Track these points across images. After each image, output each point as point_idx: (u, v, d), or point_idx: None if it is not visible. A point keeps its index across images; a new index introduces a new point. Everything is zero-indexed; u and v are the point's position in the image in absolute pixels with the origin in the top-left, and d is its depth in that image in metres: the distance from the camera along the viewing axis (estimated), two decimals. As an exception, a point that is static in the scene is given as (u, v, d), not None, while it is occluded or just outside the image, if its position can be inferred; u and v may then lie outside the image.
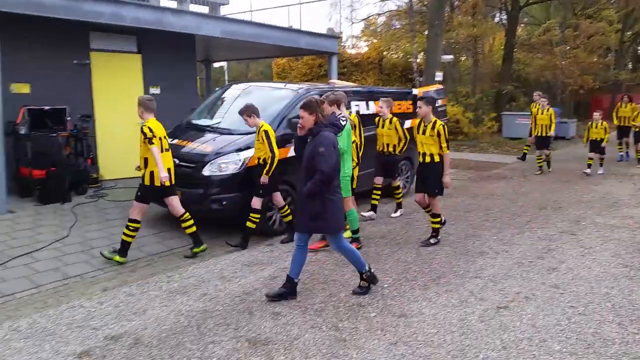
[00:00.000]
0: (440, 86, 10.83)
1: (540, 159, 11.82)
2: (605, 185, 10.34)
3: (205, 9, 11.90)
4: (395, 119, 7.55)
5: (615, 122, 13.74)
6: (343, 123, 4.96)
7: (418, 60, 23.24)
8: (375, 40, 26.28)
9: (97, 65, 9.44)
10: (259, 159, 6.24)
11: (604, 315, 4.33)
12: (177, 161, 6.66)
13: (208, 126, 7.46)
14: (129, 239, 5.59)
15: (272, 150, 6.00)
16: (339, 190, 4.62)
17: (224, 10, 13.01)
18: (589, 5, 24.33)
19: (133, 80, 9.98)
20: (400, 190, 8.04)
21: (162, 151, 5.54)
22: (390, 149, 7.64)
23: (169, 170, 5.63)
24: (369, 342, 3.85)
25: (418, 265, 5.57)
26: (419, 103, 6.34)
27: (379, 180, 7.78)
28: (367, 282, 4.77)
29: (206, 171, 6.48)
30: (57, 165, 8.11)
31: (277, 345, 3.79)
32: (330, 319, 4.23)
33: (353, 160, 6.18)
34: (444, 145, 6.13)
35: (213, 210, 6.50)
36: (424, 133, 6.25)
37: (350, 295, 4.74)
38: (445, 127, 6.25)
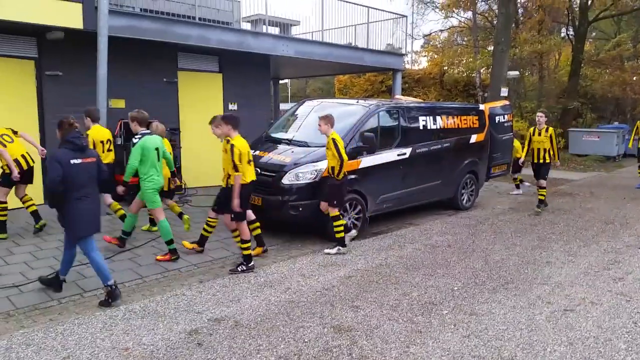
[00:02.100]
0: (507, 102, 11.03)
1: (542, 194, 9.43)
2: (678, 203, 10.16)
3: (276, 30, 12.68)
4: (335, 137, 6.51)
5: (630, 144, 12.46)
6: (135, 140, 6.14)
7: (481, 76, 23.29)
8: (436, 56, 26.53)
9: (184, 83, 10.38)
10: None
11: (671, 321, 4.51)
12: (258, 170, 7.35)
13: (285, 139, 8.06)
14: (3, 218, 6.86)
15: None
16: (82, 201, 4.66)
17: (294, 30, 13.75)
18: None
19: (214, 97, 10.88)
20: (339, 223, 6.61)
21: (4, 146, 6.62)
22: (334, 172, 6.52)
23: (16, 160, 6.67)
24: (443, 334, 4.24)
25: (486, 272, 5.88)
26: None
27: (323, 206, 6.66)
28: (107, 296, 4.81)
29: (285, 180, 7.05)
30: (149, 173, 8.95)
31: (359, 332, 4.25)
32: (405, 314, 4.65)
33: None
34: (231, 166, 5.63)
35: (290, 216, 7.06)
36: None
37: (423, 294, 5.13)
38: (235, 147, 5.58)
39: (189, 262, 6.16)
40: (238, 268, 5.80)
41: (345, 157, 6.45)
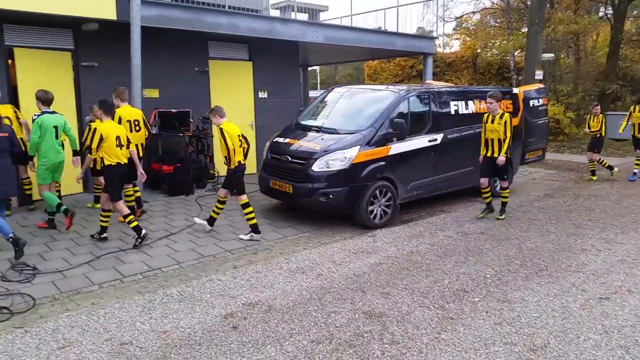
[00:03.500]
0: (542, 85, 10.77)
1: (505, 196, 8.01)
2: None
3: (305, 16, 12.65)
4: (223, 127, 6.42)
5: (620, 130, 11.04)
6: (34, 117, 6.54)
7: (515, 58, 22.73)
8: (469, 39, 25.99)
9: (214, 72, 10.49)
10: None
11: None
12: (288, 158, 7.42)
13: (315, 126, 8.08)
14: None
15: None
16: None
17: (323, 16, 13.71)
18: None
19: (244, 86, 10.97)
20: (248, 210, 6.67)
21: None
22: (227, 161, 6.57)
23: None
24: (475, 321, 4.24)
25: (520, 260, 5.82)
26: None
27: (221, 192, 6.82)
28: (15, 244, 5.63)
29: (315, 167, 7.09)
30: (183, 162, 9.16)
31: (390, 318, 4.29)
32: (436, 301, 4.66)
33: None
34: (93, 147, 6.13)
35: (320, 203, 7.11)
36: None
37: (454, 282, 5.13)
38: (97, 130, 6.06)
39: (223, 248, 6.30)
40: (98, 235, 6.47)
41: (231, 146, 6.37)
